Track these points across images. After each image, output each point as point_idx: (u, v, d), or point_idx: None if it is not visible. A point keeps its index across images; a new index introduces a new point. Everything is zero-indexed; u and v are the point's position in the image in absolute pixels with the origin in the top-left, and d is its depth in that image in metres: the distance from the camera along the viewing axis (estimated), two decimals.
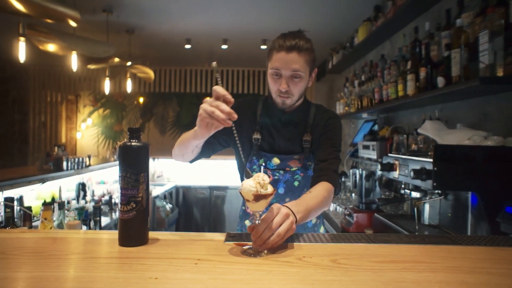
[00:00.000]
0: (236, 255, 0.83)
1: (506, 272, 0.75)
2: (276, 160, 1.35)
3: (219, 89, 0.90)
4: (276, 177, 1.35)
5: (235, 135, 0.98)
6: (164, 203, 4.41)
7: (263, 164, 1.35)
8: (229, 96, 0.89)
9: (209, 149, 1.29)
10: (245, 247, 0.87)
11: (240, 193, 0.88)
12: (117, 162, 0.89)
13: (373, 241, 0.95)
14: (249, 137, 1.37)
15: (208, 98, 0.92)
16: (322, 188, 1.17)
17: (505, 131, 1.64)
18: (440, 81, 1.77)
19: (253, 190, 0.85)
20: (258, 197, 0.85)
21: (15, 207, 1.50)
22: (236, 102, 1.38)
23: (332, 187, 1.21)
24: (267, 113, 1.38)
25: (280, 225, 0.86)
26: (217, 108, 0.88)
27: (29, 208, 1.50)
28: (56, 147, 3.33)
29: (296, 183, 1.35)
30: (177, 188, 5.08)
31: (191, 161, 1.29)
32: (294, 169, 1.35)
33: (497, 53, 1.38)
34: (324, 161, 1.27)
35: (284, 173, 1.35)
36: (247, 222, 1.44)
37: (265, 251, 0.84)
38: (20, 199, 2.16)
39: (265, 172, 0.91)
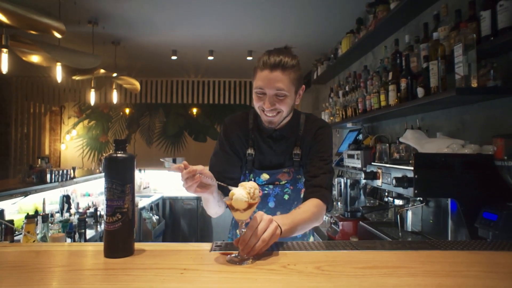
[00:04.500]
0: (222, 264, 0.84)
1: (480, 274, 0.79)
2: (265, 176, 1.35)
3: (173, 168, 1.00)
4: (265, 192, 1.35)
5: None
6: (151, 214, 4.36)
7: (253, 179, 1.35)
8: (182, 166, 0.99)
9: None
10: (230, 255, 0.88)
11: (231, 204, 0.89)
12: (103, 174, 0.90)
13: (356, 248, 0.98)
14: (243, 152, 1.36)
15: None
16: (312, 205, 1.17)
17: (481, 139, 1.70)
18: (420, 91, 1.83)
19: (245, 200, 0.87)
20: (248, 207, 0.87)
21: None
22: (226, 121, 1.39)
23: (323, 204, 1.19)
24: (258, 128, 1.36)
25: (264, 231, 0.88)
26: (184, 181, 1.00)
27: (11, 221, 1.47)
28: (39, 159, 3.27)
29: (286, 197, 1.35)
30: (163, 200, 5.03)
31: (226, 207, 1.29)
32: (283, 182, 1.35)
33: (471, 65, 1.45)
34: (315, 177, 1.25)
35: (274, 187, 1.35)
36: (239, 232, 1.44)
37: (250, 260, 0.85)
38: (1, 213, 2.11)
39: None
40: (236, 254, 0.87)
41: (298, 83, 1.24)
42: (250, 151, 1.34)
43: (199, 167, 1.00)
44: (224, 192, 1.20)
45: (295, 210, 1.14)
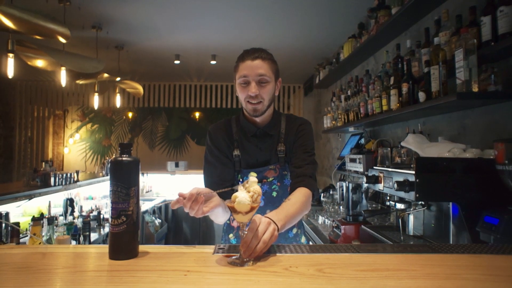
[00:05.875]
0: (225, 266, 0.86)
1: (480, 277, 0.80)
2: (252, 174, 1.38)
3: (173, 206, 1.02)
4: None
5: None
6: (153, 218, 4.37)
7: (241, 180, 1.39)
8: (180, 198, 1.00)
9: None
10: (232, 258, 0.89)
11: (234, 207, 0.90)
12: (106, 178, 0.92)
13: (358, 251, 0.99)
14: (231, 154, 1.41)
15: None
16: (300, 194, 1.22)
17: (482, 144, 1.71)
18: (421, 96, 1.85)
19: (247, 203, 0.89)
20: (250, 210, 0.90)
21: (2, 224, 1.49)
22: (210, 129, 1.46)
23: (309, 191, 1.26)
24: (241, 130, 1.43)
25: (264, 233, 0.91)
26: (190, 209, 1.01)
27: (17, 224, 1.49)
28: (43, 163, 3.30)
29: (274, 194, 1.39)
30: (166, 203, 5.04)
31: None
32: (270, 179, 1.39)
33: (471, 70, 1.46)
34: (299, 167, 1.32)
35: (262, 184, 1.39)
36: (232, 236, 1.46)
37: (251, 262, 0.87)
38: (6, 216, 2.13)
39: None
40: (238, 256, 0.89)
41: (277, 74, 1.36)
42: (236, 152, 1.40)
43: (194, 190, 1.02)
44: (226, 195, 1.22)
45: (285, 203, 1.17)
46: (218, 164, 1.38)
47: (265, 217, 0.98)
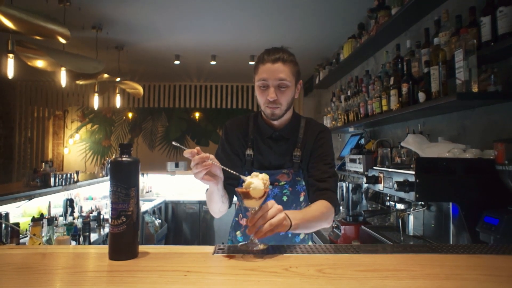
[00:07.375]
0: (225, 266, 0.86)
1: (480, 277, 0.80)
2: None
3: (186, 153, 1.01)
4: None
5: (219, 165, 1.06)
6: (153, 218, 4.37)
7: None
8: (194, 151, 1.00)
9: (233, 189, 1.29)
10: (242, 243, 0.95)
11: (249, 192, 0.92)
12: (106, 178, 0.93)
13: (358, 251, 0.99)
14: (243, 153, 1.40)
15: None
16: (322, 205, 1.20)
17: (482, 144, 1.71)
18: (421, 96, 1.85)
19: (262, 188, 0.92)
20: (263, 195, 0.93)
21: (2, 224, 1.49)
22: (227, 124, 1.44)
23: (331, 206, 1.23)
24: (258, 130, 1.40)
25: (273, 217, 0.92)
26: (194, 167, 1.02)
27: (17, 224, 1.49)
28: (43, 163, 3.30)
29: (284, 198, 1.37)
30: (166, 203, 5.04)
31: (229, 207, 1.32)
32: (282, 183, 1.37)
33: (471, 70, 1.46)
34: (322, 181, 1.28)
35: (273, 187, 1.37)
36: (239, 233, 1.45)
37: (260, 246, 0.91)
38: (6, 216, 2.13)
39: None
40: (247, 242, 0.92)
41: (298, 76, 1.32)
42: (249, 151, 1.38)
43: (212, 156, 1.03)
44: (228, 191, 1.25)
45: (305, 208, 1.17)
46: (227, 161, 1.36)
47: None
